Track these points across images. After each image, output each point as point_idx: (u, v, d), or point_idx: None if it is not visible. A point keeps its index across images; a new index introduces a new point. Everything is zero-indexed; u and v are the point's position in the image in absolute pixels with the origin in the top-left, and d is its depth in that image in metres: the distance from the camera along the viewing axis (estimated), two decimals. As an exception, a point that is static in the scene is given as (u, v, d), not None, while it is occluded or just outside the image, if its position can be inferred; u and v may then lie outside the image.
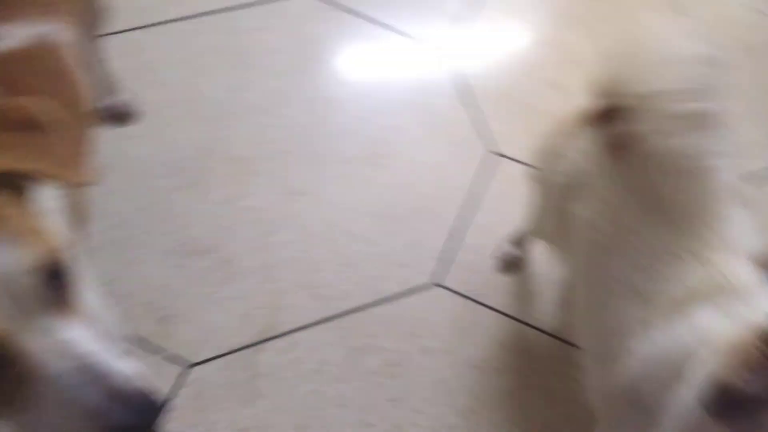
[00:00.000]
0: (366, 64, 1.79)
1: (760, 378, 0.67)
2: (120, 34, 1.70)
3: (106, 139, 1.59)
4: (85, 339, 0.56)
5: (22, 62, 0.93)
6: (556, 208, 1.11)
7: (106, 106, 1.55)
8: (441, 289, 1.45)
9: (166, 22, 1.78)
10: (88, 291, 0.69)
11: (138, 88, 1.62)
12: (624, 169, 0.92)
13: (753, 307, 0.78)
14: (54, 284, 0.57)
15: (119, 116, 1.59)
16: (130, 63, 1.64)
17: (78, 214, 0.92)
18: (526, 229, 1.38)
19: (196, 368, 1.33)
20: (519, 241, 1.46)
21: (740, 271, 0.86)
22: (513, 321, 1.43)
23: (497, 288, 1.46)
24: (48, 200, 0.77)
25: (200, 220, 1.51)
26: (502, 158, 1.63)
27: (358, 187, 1.58)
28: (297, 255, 1.48)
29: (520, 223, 1.43)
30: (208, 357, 1.35)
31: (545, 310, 1.44)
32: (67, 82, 0.99)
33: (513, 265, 1.48)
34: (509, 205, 1.52)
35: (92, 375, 0.53)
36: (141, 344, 1.34)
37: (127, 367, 0.56)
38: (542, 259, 1.46)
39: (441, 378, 1.36)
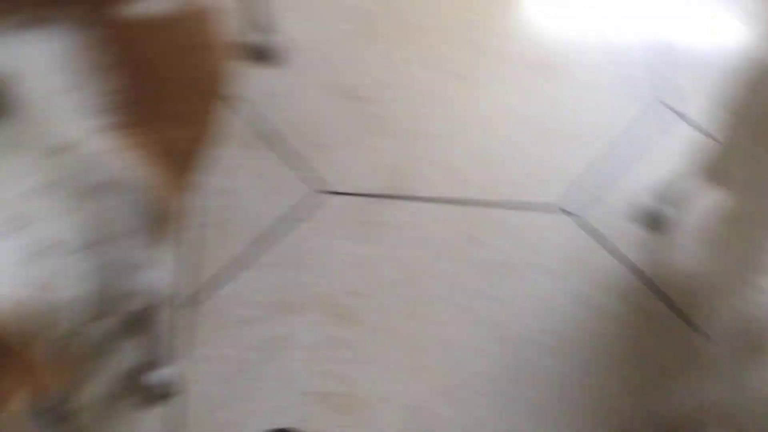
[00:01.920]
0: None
1: None
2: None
3: None
4: None
5: (163, 31, 0.82)
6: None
7: (255, 43, 1.53)
8: (566, 216, 1.46)
9: None
10: None
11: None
12: None
13: None
14: None
15: (266, 56, 1.56)
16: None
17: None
18: (697, 172, 1.26)
19: (326, 196, 1.42)
20: (669, 198, 1.43)
21: None
22: (637, 276, 1.41)
23: (630, 234, 1.45)
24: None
25: (366, 71, 1.59)
26: (671, 112, 1.59)
27: (518, 90, 1.60)
28: (441, 133, 1.53)
29: (675, 179, 1.41)
30: (338, 191, 1.43)
31: (676, 280, 1.41)
32: (208, 58, 0.90)
33: (656, 221, 1.45)
34: (664, 156, 1.50)
35: None
36: (288, 158, 1.44)
37: None
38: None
39: (540, 297, 1.38)
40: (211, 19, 0.88)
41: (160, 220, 0.81)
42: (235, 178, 1.42)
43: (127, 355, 1.20)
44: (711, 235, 1.06)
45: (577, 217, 1.46)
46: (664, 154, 1.51)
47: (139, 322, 1.02)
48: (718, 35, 1.73)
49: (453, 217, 1.44)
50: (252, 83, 1.51)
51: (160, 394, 1.19)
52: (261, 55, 1.55)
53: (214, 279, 1.32)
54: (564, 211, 1.47)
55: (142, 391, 1.19)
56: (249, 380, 1.24)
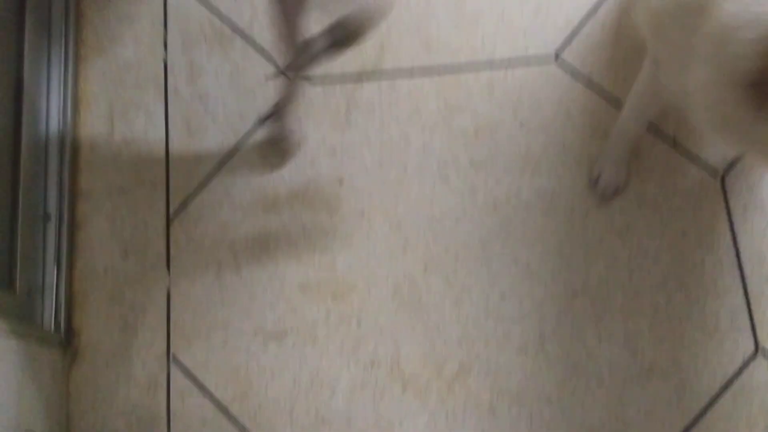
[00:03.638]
0: None
1: None
2: None
3: None
4: None
5: None
6: None
7: None
8: (557, 67, 1.37)
9: None
10: None
11: None
12: None
13: None
14: None
15: None
16: None
17: None
18: None
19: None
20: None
21: None
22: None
23: (619, 77, 1.35)
24: None
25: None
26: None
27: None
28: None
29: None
30: (313, 77, 1.41)
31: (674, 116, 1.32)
32: None
33: None
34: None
35: None
36: (261, 51, 1.42)
37: None
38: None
39: (528, 153, 1.33)
40: None
41: None
42: (207, 80, 1.43)
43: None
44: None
45: (571, 65, 1.37)
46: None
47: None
48: None
49: (431, 86, 1.39)
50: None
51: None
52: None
53: (198, 187, 1.36)
54: (558, 61, 1.37)
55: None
56: (237, 281, 1.30)
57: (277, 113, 1.31)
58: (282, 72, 1.27)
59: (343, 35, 1.13)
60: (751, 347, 1.19)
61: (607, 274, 1.24)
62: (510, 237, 1.29)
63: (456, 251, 1.28)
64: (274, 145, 1.36)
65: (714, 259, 1.22)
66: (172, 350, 1.26)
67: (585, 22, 1.39)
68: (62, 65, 1.41)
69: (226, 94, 1.41)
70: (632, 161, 1.28)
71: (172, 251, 1.31)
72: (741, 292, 1.20)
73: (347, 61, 1.41)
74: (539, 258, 1.27)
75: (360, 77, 1.40)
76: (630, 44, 1.36)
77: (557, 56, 1.38)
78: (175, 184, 1.35)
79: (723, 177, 1.26)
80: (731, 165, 1.27)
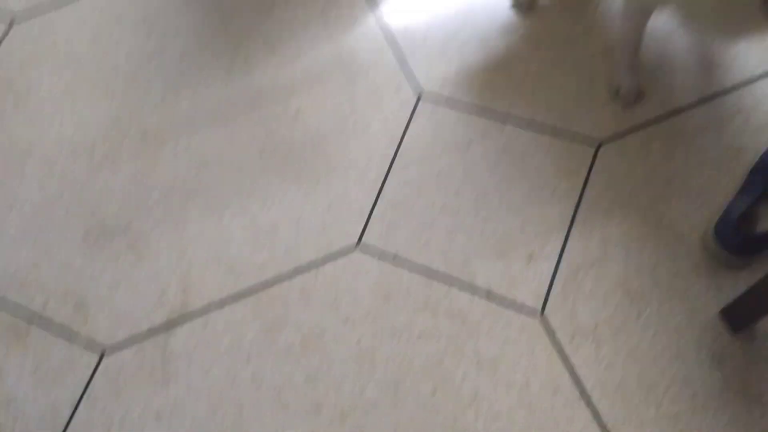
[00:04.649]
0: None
1: None
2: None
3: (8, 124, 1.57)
4: None
5: None
6: None
7: None
8: (362, 253, 1.37)
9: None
10: None
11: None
12: None
13: None
14: None
15: None
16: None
17: None
18: None
19: (111, 354, 1.32)
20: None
21: None
22: (440, 282, 1.33)
23: (421, 244, 1.37)
24: None
25: (111, 200, 1.48)
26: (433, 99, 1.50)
27: (269, 145, 1.50)
28: (209, 227, 1.43)
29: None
30: (121, 341, 1.33)
31: (477, 267, 1.34)
32: None
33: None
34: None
35: None
36: (60, 332, 1.34)
37: None
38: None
39: (360, 348, 1.29)
40: None
41: None
42: (11, 383, 1.32)
43: None
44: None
45: (375, 247, 1.37)
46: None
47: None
48: None
49: (245, 312, 1.34)
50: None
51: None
52: None
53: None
54: (361, 247, 1.38)
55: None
56: None
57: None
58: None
59: None
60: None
61: (469, 454, 1.18)
62: (364, 445, 1.21)
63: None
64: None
65: (562, 400, 1.19)
66: None
67: (376, 204, 1.42)
68: None
69: (34, 391, 1.30)
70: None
71: None
72: (596, 425, 1.17)
73: (150, 312, 1.35)
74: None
75: (169, 325, 1.34)
76: (423, 205, 1.39)
77: (359, 243, 1.38)
78: None
79: (542, 314, 1.27)
80: (546, 299, 1.28)
